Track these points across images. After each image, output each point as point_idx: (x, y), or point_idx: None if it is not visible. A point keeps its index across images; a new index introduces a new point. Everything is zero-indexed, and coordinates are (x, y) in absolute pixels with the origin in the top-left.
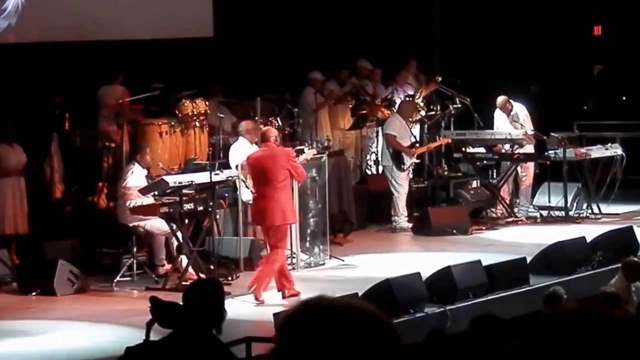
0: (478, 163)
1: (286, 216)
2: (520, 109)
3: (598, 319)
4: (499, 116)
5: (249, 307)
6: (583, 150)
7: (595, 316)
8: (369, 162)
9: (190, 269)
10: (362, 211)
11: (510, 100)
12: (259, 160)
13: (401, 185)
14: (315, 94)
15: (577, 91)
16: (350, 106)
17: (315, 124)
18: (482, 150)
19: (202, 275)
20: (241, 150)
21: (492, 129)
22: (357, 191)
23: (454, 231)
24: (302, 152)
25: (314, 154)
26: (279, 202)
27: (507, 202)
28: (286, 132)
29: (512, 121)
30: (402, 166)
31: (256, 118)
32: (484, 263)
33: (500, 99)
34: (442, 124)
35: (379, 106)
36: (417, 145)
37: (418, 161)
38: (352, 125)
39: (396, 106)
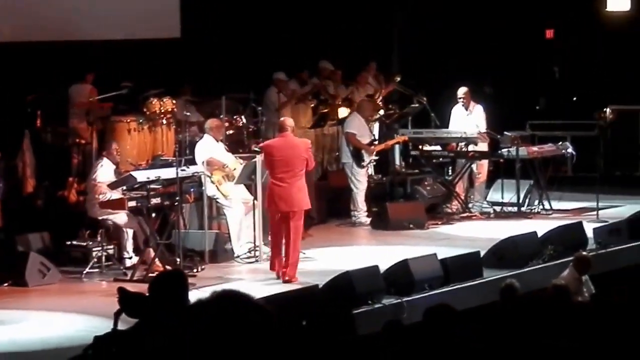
0: (434, 160)
1: (307, 200)
2: (477, 109)
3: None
4: (456, 113)
5: None
6: (535, 148)
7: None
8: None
9: (157, 261)
10: (323, 206)
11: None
12: (280, 149)
13: (360, 181)
14: (279, 94)
15: (530, 92)
16: (312, 105)
17: (278, 122)
18: (438, 148)
19: (168, 267)
20: (207, 147)
21: (448, 127)
22: (318, 187)
23: (411, 226)
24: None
25: None
26: (302, 188)
27: (462, 198)
28: (250, 129)
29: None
30: (362, 163)
31: (221, 116)
32: (440, 256)
33: (462, 89)
34: (400, 123)
35: (339, 105)
36: (376, 143)
37: (377, 158)
38: (313, 123)
39: (356, 106)
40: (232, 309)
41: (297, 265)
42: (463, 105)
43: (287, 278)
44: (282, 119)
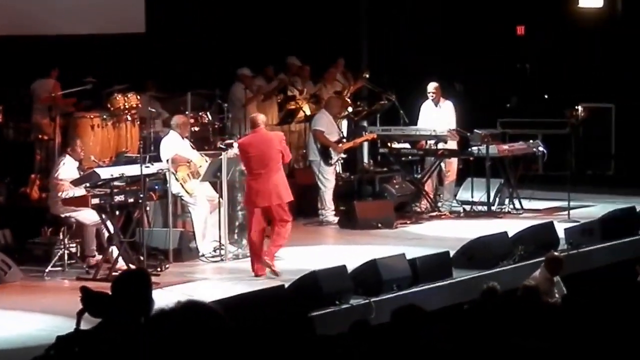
0: (403, 158)
1: (288, 192)
2: (446, 105)
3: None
4: (426, 109)
5: (177, 297)
6: (505, 146)
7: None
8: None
9: (121, 260)
10: (290, 205)
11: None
12: (254, 144)
13: (328, 179)
14: (245, 90)
15: (501, 89)
16: (279, 101)
17: (244, 118)
18: (407, 145)
19: (132, 266)
20: (172, 143)
21: (417, 124)
22: None
23: (379, 225)
24: (231, 146)
25: None
26: (279, 182)
27: (431, 196)
28: (216, 126)
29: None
30: (330, 161)
31: (187, 112)
32: (409, 256)
33: (432, 84)
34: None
35: (307, 102)
36: (344, 140)
37: (345, 156)
38: (280, 120)
39: (324, 102)
40: (195, 319)
41: (276, 251)
42: (433, 100)
43: (265, 258)
44: (253, 115)
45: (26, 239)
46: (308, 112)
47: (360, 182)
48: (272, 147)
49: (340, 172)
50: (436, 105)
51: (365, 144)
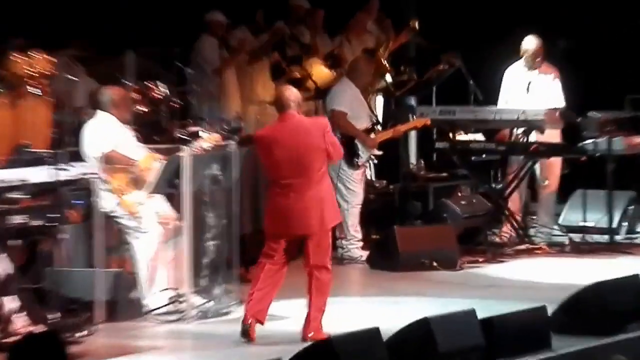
0: (473, 157)
1: (336, 212)
2: (548, 74)
3: None
4: (513, 79)
5: None
6: (639, 139)
7: None
8: None
9: (21, 318)
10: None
11: None
12: (283, 140)
13: (353, 191)
14: (220, 47)
15: (633, 52)
16: (273, 65)
17: (218, 92)
18: (479, 137)
19: (39, 328)
20: (103, 133)
21: (497, 103)
22: None
23: (434, 264)
24: (196, 136)
25: (217, 141)
26: (323, 195)
27: (518, 219)
28: (174, 105)
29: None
30: (356, 161)
31: (127, 83)
32: (481, 314)
33: (530, 40)
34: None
35: (319, 66)
36: (379, 128)
37: (380, 153)
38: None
39: (346, 67)
40: None
41: (322, 315)
42: (527, 65)
43: (310, 334)
44: (279, 90)
45: None
46: (321, 83)
47: (404, 195)
48: (312, 142)
49: (373, 178)
50: (530, 72)
51: (413, 135)
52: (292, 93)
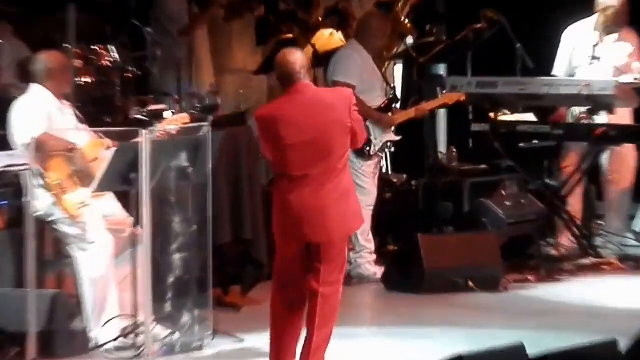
0: (521, 144)
1: (359, 216)
2: (624, 39)
3: None
4: (575, 42)
5: None
6: None
7: None
8: None
9: None
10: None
11: None
12: (293, 119)
13: (363, 188)
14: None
15: None
16: (259, 22)
17: (186, 58)
18: (530, 117)
19: None
20: (35, 112)
21: (553, 71)
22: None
23: (470, 284)
24: (159, 116)
25: (185, 122)
26: (345, 195)
27: (579, 224)
28: (128, 75)
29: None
30: (367, 149)
31: (68, 47)
32: (532, 349)
33: None
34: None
35: (318, 25)
36: (398, 106)
37: (398, 139)
38: (262, 63)
39: (354, 26)
40: None
41: (323, 351)
42: (602, 27)
43: None
44: (284, 54)
45: None
46: (320, 47)
47: (430, 193)
48: (335, 121)
49: (389, 172)
50: (604, 36)
51: (443, 115)
52: (297, 58)
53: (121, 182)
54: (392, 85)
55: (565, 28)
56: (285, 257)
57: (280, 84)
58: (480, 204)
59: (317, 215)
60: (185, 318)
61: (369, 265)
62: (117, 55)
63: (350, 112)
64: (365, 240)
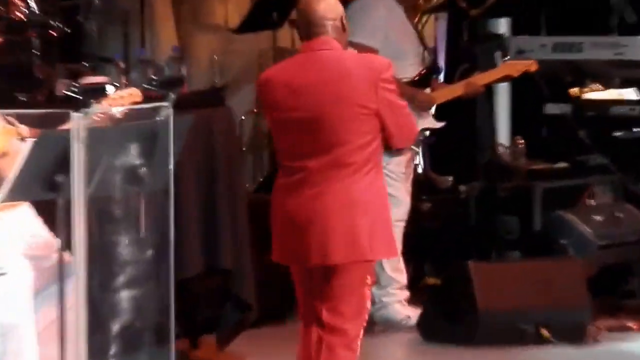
0: (618, 133)
1: (387, 243)
2: None
3: None
4: None
5: None
6: None
7: None
8: None
9: None
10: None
11: None
12: (295, 87)
13: (391, 195)
14: None
15: None
16: None
17: (140, 10)
18: (631, 94)
19: None
20: None
21: None
22: (261, 219)
23: (545, 332)
24: (98, 92)
25: (136, 100)
26: (363, 206)
27: None
28: (52, 33)
29: None
30: None
31: None
32: None
33: None
34: None
35: None
36: (438, 78)
37: (441, 125)
38: (245, 18)
39: None
40: None
41: None
42: None
43: None
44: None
45: None
46: None
47: (486, 203)
48: (347, 94)
49: (427, 172)
50: None
51: (504, 91)
52: (327, 4)
53: (43, 187)
54: (431, 48)
55: None
56: (295, 282)
57: (298, 33)
58: (557, 219)
59: (315, 227)
60: None
61: (399, 306)
62: (35, 5)
63: (377, 89)
64: (394, 270)
